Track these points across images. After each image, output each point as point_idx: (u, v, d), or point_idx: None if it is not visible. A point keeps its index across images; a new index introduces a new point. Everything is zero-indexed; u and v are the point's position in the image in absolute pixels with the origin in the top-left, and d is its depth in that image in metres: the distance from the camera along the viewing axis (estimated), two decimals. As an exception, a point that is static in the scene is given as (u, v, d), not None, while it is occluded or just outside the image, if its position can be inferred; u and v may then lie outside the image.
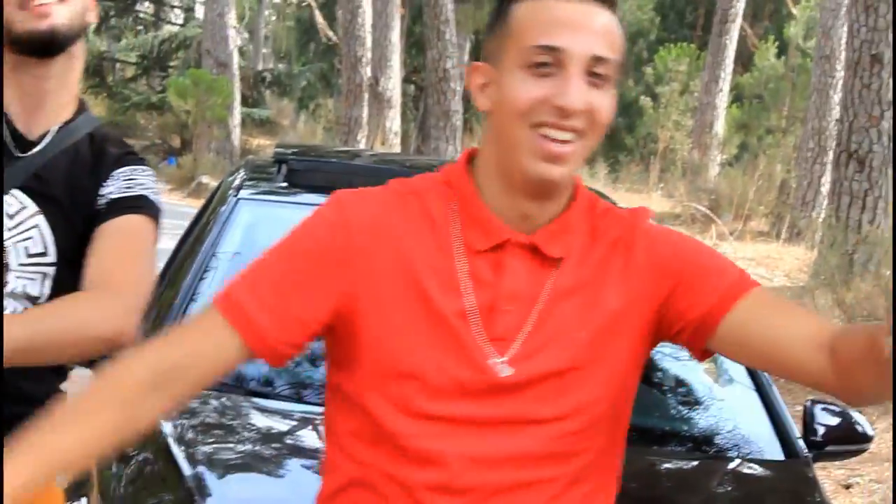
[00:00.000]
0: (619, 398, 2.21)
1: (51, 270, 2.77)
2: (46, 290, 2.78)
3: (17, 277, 2.81)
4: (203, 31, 33.65)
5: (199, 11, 40.55)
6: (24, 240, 2.76)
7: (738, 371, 4.63)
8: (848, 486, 8.63)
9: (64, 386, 3.10)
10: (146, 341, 2.12)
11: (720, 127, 28.37)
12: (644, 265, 2.19)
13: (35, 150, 2.78)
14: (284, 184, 4.93)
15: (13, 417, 2.87)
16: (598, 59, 2.08)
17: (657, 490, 3.99)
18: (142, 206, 2.78)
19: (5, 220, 2.79)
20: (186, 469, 3.50)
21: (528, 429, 2.13)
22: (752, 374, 4.60)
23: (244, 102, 34.96)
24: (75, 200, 2.74)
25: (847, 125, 13.66)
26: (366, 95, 25.37)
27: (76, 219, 2.74)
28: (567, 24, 2.07)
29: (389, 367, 2.13)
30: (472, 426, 2.12)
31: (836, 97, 19.06)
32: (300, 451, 3.71)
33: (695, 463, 4.26)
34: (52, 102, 2.82)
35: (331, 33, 30.62)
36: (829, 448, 4.49)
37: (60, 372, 3.04)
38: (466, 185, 2.21)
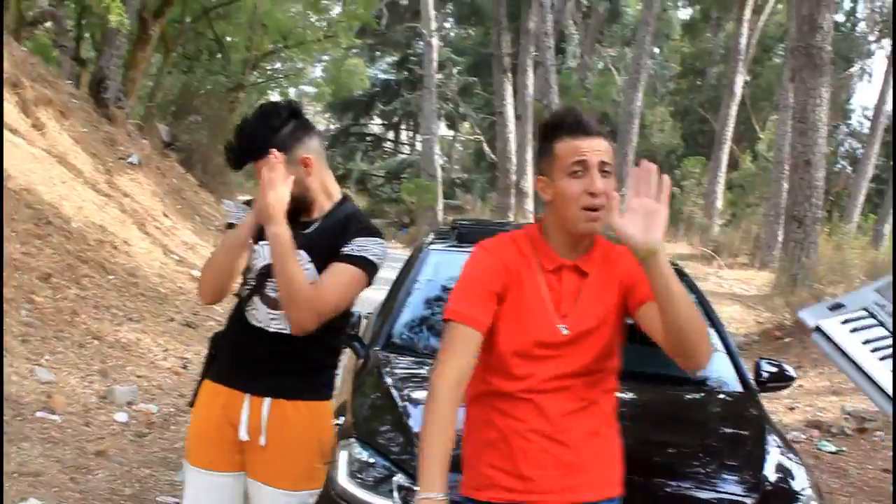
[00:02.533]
0: (615, 343, 2.40)
1: None
2: None
3: None
4: (421, 157, 34.01)
5: (419, 145, 40.92)
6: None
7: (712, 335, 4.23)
8: (792, 409, 8.44)
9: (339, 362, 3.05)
10: (441, 353, 2.28)
11: (719, 204, 27.76)
12: (622, 273, 2.36)
13: (308, 230, 2.81)
14: (456, 240, 4.89)
15: (296, 372, 2.83)
16: (603, 163, 2.29)
17: (656, 413, 3.84)
18: (359, 262, 2.72)
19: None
20: (399, 401, 3.51)
21: (574, 358, 2.33)
22: (724, 340, 4.41)
23: (445, 196, 35.17)
24: (331, 252, 2.72)
25: (791, 202, 13.32)
26: (513, 191, 25.37)
27: (326, 262, 2.73)
28: (586, 148, 2.29)
29: (513, 331, 2.32)
30: (549, 359, 2.32)
31: (785, 185, 18.49)
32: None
33: (685, 395, 4.13)
34: (313, 207, 2.83)
35: (493, 155, 30.73)
36: (770, 385, 4.34)
37: (335, 353, 2.99)
38: (539, 235, 2.40)
